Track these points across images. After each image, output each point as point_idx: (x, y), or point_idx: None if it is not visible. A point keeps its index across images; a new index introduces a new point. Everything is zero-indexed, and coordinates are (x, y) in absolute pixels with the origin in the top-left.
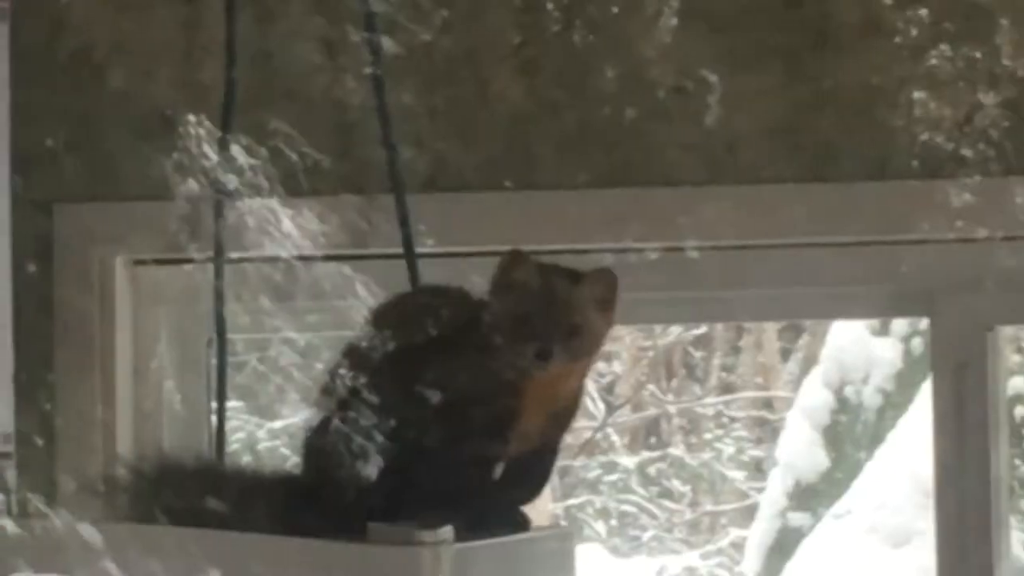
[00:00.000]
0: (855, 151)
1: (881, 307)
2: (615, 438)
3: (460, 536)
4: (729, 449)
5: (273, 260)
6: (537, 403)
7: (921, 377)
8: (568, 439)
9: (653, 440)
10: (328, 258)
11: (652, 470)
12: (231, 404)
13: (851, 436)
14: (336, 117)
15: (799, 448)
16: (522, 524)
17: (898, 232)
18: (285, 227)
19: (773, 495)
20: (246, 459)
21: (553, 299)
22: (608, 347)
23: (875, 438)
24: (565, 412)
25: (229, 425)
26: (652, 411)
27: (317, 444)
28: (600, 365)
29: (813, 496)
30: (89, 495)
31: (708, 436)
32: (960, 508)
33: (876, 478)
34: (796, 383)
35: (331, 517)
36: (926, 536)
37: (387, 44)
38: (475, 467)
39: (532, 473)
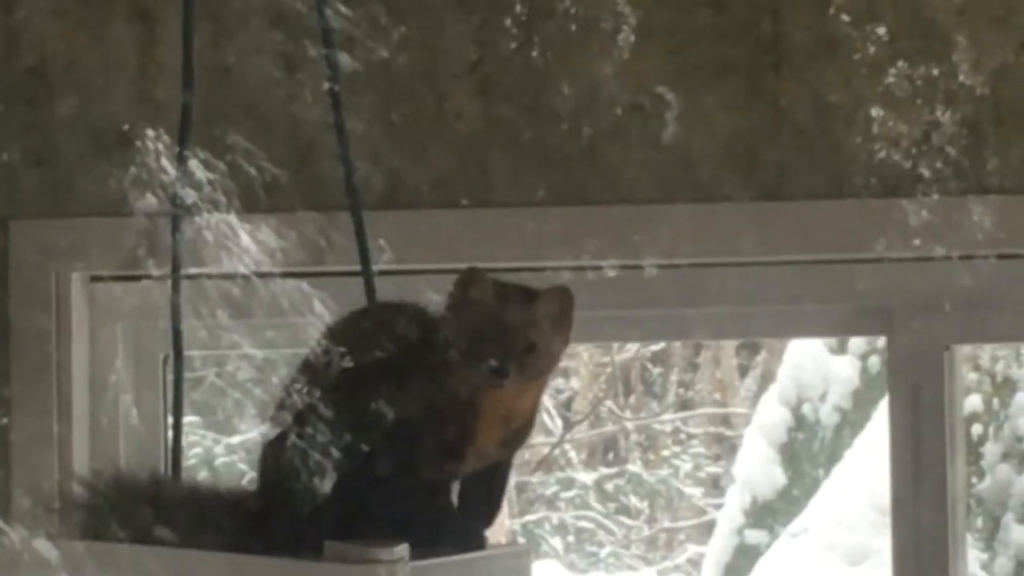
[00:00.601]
0: (812, 170)
1: (839, 326)
2: (572, 454)
3: (416, 554)
4: (687, 466)
5: (231, 276)
6: (493, 421)
7: (878, 395)
8: (526, 455)
9: (611, 456)
10: (286, 275)
11: (610, 486)
12: (188, 419)
13: (808, 454)
14: (294, 133)
15: (756, 465)
16: (478, 542)
17: (856, 251)
18: (243, 243)
19: (730, 512)
20: (203, 475)
21: (509, 318)
22: (566, 363)
23: (832, 456)
24: (521, 430)
25: (186, 440)
26: (610, 427)
27: (272, 460)
28: (558, 381)
29: (770, 513)
30: (44, 512)
31: (666, 452)
32: (917, 527)
33: (833, 496)
34: (753, 400)
35: (285, 534)
36: (883, 554)
37: (345, 61)
38: (431, 487)
39: (488, 491)
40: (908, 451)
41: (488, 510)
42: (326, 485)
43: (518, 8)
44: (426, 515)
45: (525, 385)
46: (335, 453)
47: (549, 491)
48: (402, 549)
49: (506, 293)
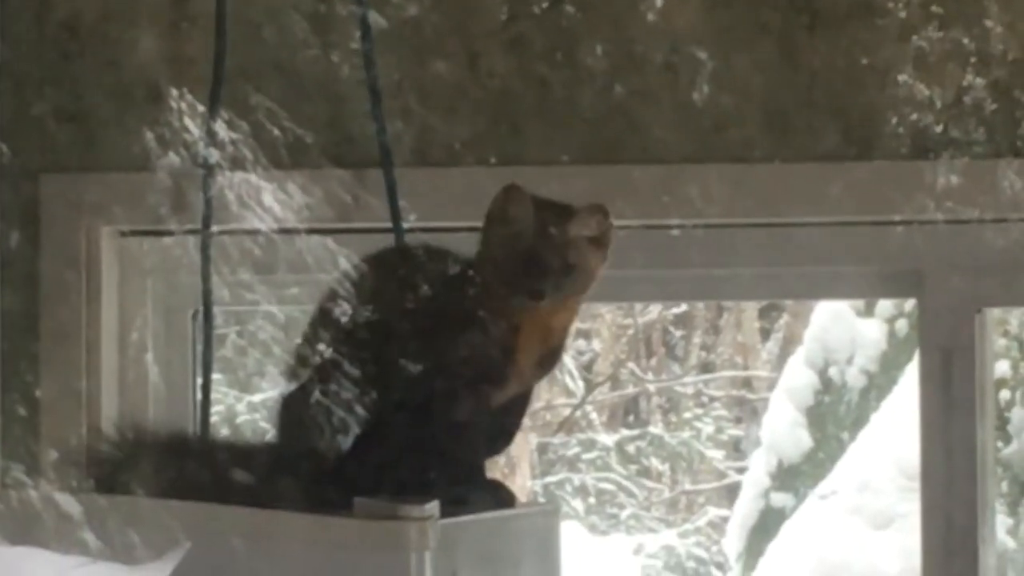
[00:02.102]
0: (844, 131)
1: (869, 287)
2: (594, 416)
3: (445, 512)
4: (708, 428)
5: (258, 233)
6: (532, 340)
7: (905, 359)
8: (547, 416)
9: (631, 418)
10: (312, 232)
11: (631, 448)
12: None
13: (834, 417)
14: (323, 91)
15: (782, 428)
16: (507, 500)
17: (887, 213)
18: (271, 200)
19: (756, 475)
20: (224, 432)
21: (547, 235)
22: (587, 324)
23: (859, 419)
24: (556, 349)
25: (193, 393)
26: (631, 389)
27: (297, 413)
28: (579, 342)
29: (796, 476)
30: (70, 467)
31: (687, 415)
32: (946, 491)
33: (859, 460)
34: (776, 363)
35: (311, 490)
36: (908, 518)
37: (376, 19)
38: (475, 414)
39: (511, 417)
40: (938, 415)
41: (506, 438)
42: (350, 438)
43: None
44: (458, 471)
45: (562, 303)
46: (363, 405)
47: (570, 452)
48: (432, 507)
49: (544, 211)
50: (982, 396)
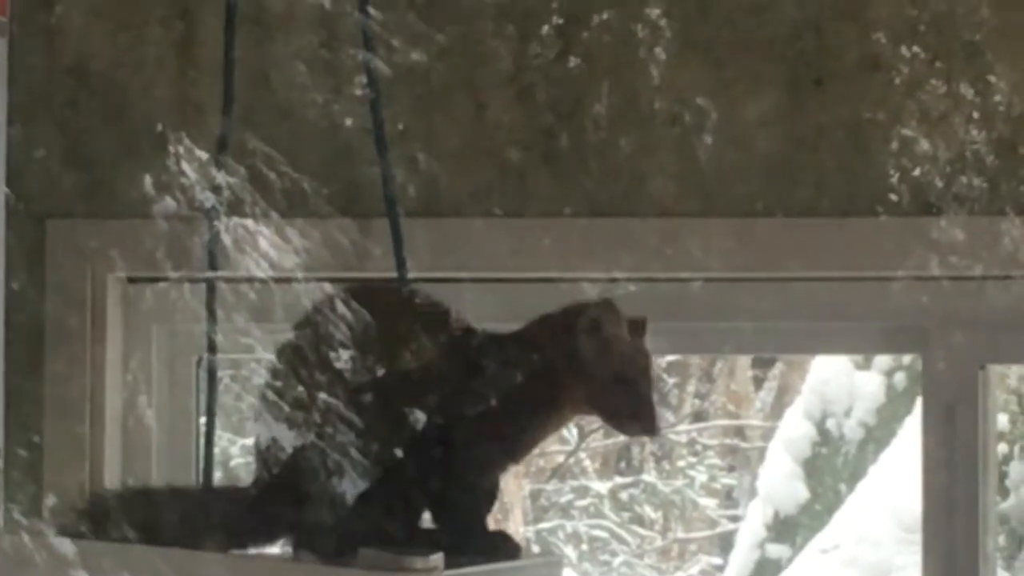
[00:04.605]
0: (849, 186)
1: (873, 343)
2: (587, 463)
3: (450, 563)
4: (702, 477)
5: (262, 281)
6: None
7: (904, 412)
8: (540, 462)
9: (624, 465)
10: (315, 280)
11: (624, 495)
12: (199, 417)
13: (832, 469)
14: (330, 138)
15: (779, 479)
16: (512, 551)
17: (891, 268)
18: (273, 248)
19: (752, 526)
20: (218, 475)
21: (648, 368)
22: None
23: (856, 472)
24: None
25: (197, 439)
26: (624, 437)
27: (308, 457)
28: None
29: (793, 528)
30: (69, 513)
31: (681, 463)
32: (949, 545)
33: (857, 512)
34: (768, 412)
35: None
36: (905, 571)
37: (383, 68)
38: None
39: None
40: (941, 470)
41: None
42: (356, 488)
43: (556, 19)
44: (468, 523)
45: None
46: (374, 456)
47: (563, 499)
48: (437, 558)
49: (639, 336)
50: (985, 451)
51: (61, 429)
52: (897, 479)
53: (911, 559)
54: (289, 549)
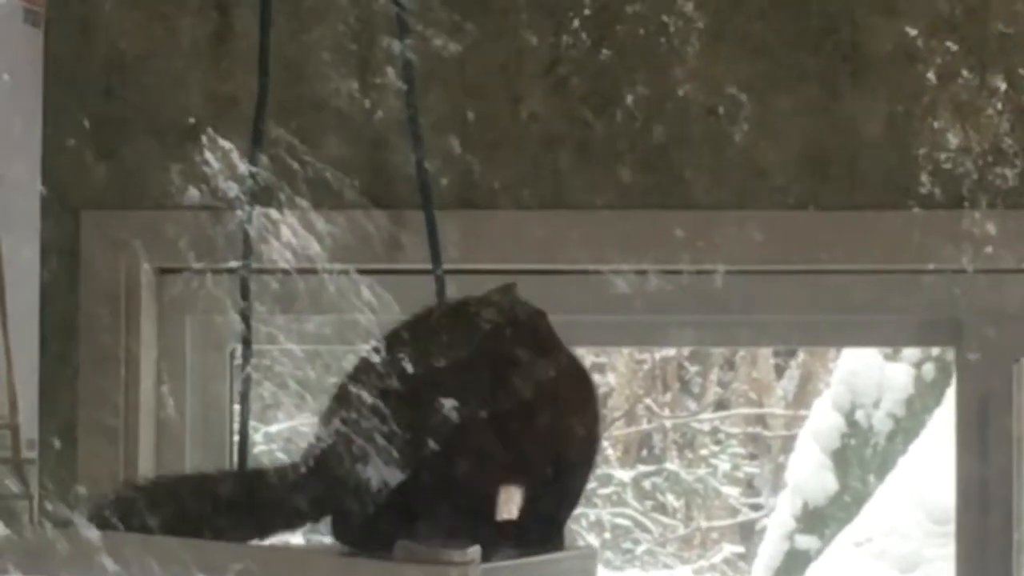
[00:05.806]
0: (883, 179)
1: (906, 336)
2: (610, 451)
3: (487, 555)
4: (725, 465)
5: (297, 272)
6: None
7: (933, 403)
8: None
9: (646, 454)
10: (349, 272)
11: (647, 484)
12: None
13: (861, 460)
14: (364, 130)
15: (808, 470)
16: (556, 544)
17: (925, 261)
18: (308, 238)
19: (781, 517)
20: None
21: None
22: (603, 359)
23: (885, 463)
24: None
25: (235, 430)
26: (647, 425)
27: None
28: (595, 377)
29: (821, 519)
30: (100, 502)
31: (704, 452)
32: (981, 538)
33: (886, 503)
34: (790, 401)
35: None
36: (935, 563)
37: (418, 60)
38: None
39: None
40: (974, 464)
41: None
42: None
43: (587, 11)
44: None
45: None
46: (415, 450)
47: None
48: (474, 551)
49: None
50: (1019, 445)
51: (94, 420)
52: (926, 471)
53: (940, 551)
54: (314, 538)
